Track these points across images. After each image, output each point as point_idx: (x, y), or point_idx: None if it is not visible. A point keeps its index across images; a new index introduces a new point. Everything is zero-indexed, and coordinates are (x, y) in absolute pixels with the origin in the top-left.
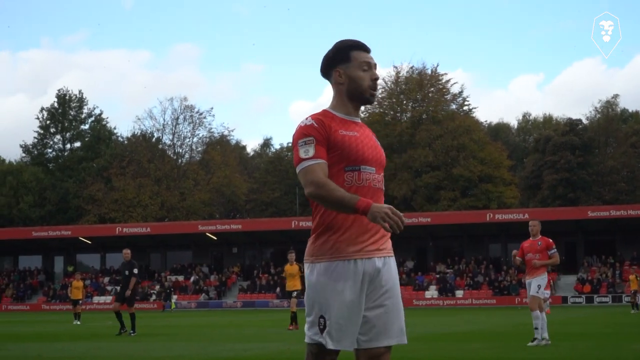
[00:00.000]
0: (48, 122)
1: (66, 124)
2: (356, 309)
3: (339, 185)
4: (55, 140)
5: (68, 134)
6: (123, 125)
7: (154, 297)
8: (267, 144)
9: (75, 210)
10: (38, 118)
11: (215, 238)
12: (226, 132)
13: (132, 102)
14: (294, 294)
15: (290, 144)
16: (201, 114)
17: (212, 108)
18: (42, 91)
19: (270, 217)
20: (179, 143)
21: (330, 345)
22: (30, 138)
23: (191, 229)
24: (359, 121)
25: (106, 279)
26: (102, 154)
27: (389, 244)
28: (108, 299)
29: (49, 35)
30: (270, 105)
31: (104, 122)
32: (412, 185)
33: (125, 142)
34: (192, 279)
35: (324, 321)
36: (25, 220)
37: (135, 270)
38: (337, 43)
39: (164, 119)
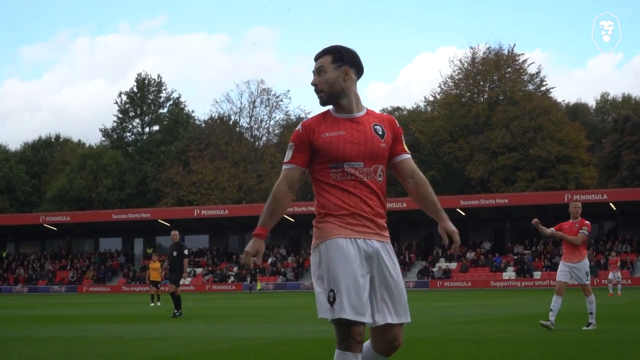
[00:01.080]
0: (127, 106)
1: (145, 108)
2: (361, 280)
3: (325, 180)
4: (134, 124)
5: (147, 118)
6: (201, 109)
7: (232, 278)
8: None
9: (153, 193)
10: (117, 102)
11: (292, 220)
12: (302, 115)
13: (209, 85)
14: None
15: None
16: (278, 96)
17: (288, 91)
18: (121, 76)
19: None
20: (255, 126)
21: (342, 315)
22: (109, 122)
23: None
24: (356, 115)
25: (185, 261)
26: (180, 137)
27: (386, 231)
28: (187, 280)
29: (128, 20)
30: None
31: (182, 106)
32: (489, 167)
33: (203, 125)
34: (269, 260)
35: (333, 294)
36: (105, 203)
37: (186, 252)
38: None
39: (241, 102)
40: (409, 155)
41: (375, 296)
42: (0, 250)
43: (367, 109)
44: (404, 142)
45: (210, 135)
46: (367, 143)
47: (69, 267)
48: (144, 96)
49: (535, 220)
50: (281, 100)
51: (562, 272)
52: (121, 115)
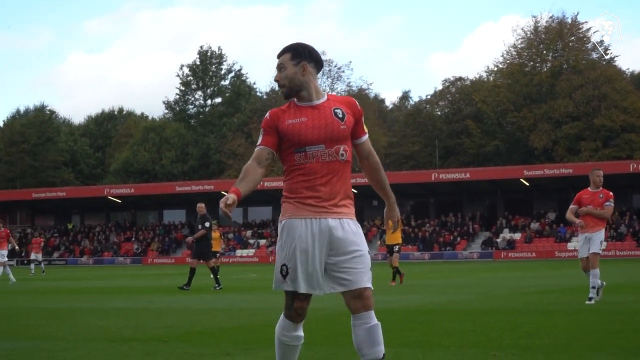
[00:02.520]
0: (189, 78)
1: (207, 80)
2: (312, 257)
3: (291, 163)
4: (197, 96)
5: (209, 90)
6: (262, 81)
7: None
8: (405, 96)
9: (216, 165)
10: (179, 75)
11: (355, 191)
12: (365, 86)
13: (271, 57)
14: (396, 248)
15: (429, 97)
16: (339, 68)
17: (350, 62)
18: (184, 48)
19: (410, 170)
20: None
21: (290, 288)
22: (172, 95)
23: None
24: (317, 102)
25: (248, 232)
26: (242, 109)
27: (346, 209)
28: (251, 252)
29: None
30: (408, 58)
31: (243, 78)
32: (553, 136)
33: (265, 97)
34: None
35: (286, 268)
36: (169, 175)
37: (207, 224)
38: None
39: None
40: (367, 136)
41: (335, 269)
42: (66, 222)
43: (327, 94)
44: (363, 123)
45: (272, 106)
46: (327, 127)
47: (133, 239)
48: (206, 69)
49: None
50: (343, 72)
51: (582, 249)
52: (183, 88)
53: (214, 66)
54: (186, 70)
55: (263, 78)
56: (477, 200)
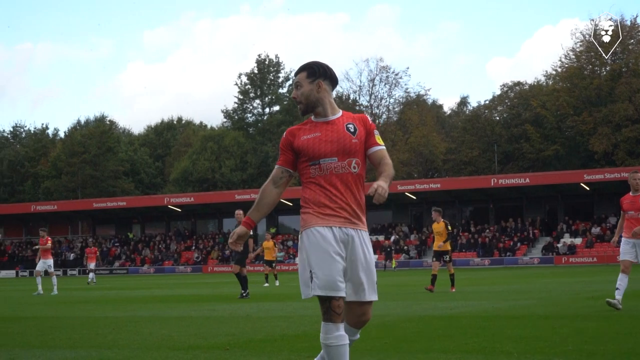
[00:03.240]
0: (247, 87)
1: (265, 89)
2: (336, 262)
3: (307, 176)
4: (255, 104)
5: (267, 98)
6: None
7: None
8: (464, 102)
9: None
10: (237, 84)
11: (414, 197)
12: (422, 92)
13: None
14: (446, 257)
15: (487, 102)
16: (397, 74)
17: (407, 68)
18: (242, 57)
19: (469, 175)
20: (375, 104)
21: (318, 292)
22: (231, 103)
23: (391, 189)
24: (331, 118)
25: (250, 241)
26: (300, 117)
27: (360, 220)
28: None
29: (248, 2)
30: (466, 63)
31: None
32: (613, 140)
33: None
34: (392, 238)
35: (311, 274)
36: (228, 183)
37: (251, 232)
38: None
39: (360, 81)
40: (381, 147)
41: (349, 276)
42: (127, 231)
43: (342, 111)
44: (376, 135)
45: None
46: (339, 141)
47: (193, 247)
48: (264, 77)
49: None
50: (400, 78)
51: (626, 252)
52: (242, 97)
53: (271, 74)
54: (244, 79)
55: None
56: (537, 206)
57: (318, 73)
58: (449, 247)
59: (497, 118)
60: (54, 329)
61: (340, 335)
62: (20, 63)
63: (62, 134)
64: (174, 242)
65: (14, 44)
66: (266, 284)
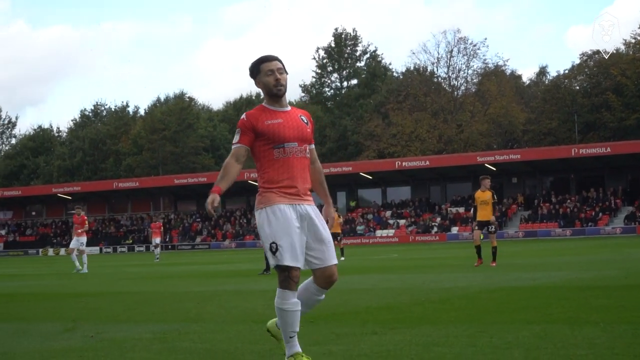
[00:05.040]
0: (325, 61)
1: (342, 63)
2: (296, 235)
3: (270, 157)
4: (333, 78)
5: (344, 72)
6: (397, 61)
7: (435, 229)
8: (543, 72)
9: (354, 147)
10: (315, 58)
11: (494, 169)
12: (501, 62)
13: (405, 37)
14: (492, 228)
15: (566, 71)
16: (475, 45)
17: (485, 39)
18: (319, 31)
19: (549, 145)
20: (453, 75)
21: (282, 262)
22: (308, 78)
23: (470, 161)
24: (287, 109)
25: (388, 213)
26: (378, 90)
27: (310, 197)
28: (391, 232)
29: None
30: (545, 33)
31: (379, 59)
32: None
33: (401, 77)
34: (472, 210)
35: (275, 245)
36: None
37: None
38: (252, 61)
39: (438, 52)
40: (313, 145)
41: (311, 246)
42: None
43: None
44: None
45: (408, 86)
46: (298, 128)
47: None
48: (341, 51)
49: None
50: (478, 49)
51: None
52: (319, 71)
53: (349, 48)
54: (322, 53)
55: (399, 58)
56: (619, 175)
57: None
58: (490, 217)
59: (577, 87)
60: (139, 304)
61: (295, 301)
62: (101, 42)
63: (142, 112)
64: (254, 217)
65: (95, 23)
66: (342, 258)
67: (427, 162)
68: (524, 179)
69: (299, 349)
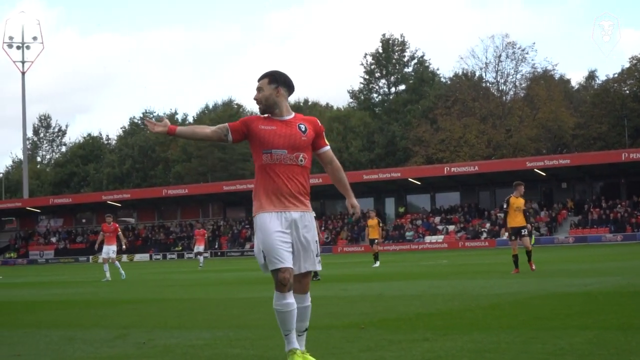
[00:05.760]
0: (373, 67)
1: (390, 68)
2: (281, 242)
3: (260, 162)
4: (380, 84)
5: (392, 78)
6: (445, 66)
7: (484, 235)
8: (592, 76)
9: (403, 152)
10: (362, 64)
11: (543, 174)
12: (549, 67)
13: (453, 42)
14: (524, 231)
15: (616, 75)
16: (523, 49)
17: (534, 43)
18: (367, 37)
19: (599, 150)
20: (502, 80)
21: (272, 267)
22: (356, 84)
23: (519, 166)
24: (285, 118)
25: (437, 219)
26: (426, 95)
27: (304, 204)
28: (440, 238)
29: None
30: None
31: (426, 64)
32: None
33: (448, 82)
34: (503, 215)
35: (263, 255)
36: (355, 164)
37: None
38: None
39: (486, 57)
40: (328, 147)
41: (294, 254)
42: None
43: (295, 113)
44: (324, 136)
45: (457, 91)
46: (290, 136)
47: (323, 228)
48: (389, 56)
49: None
50: (527, 53)
51: None
52: (367, 77)
53: (396, 53)
54: (369, 59)
55: (446, 64)
56: None
57: (278, 81)
58: (524, 223)
59: (627, 91)
60: (190, 311)
61: (287, 302)
62: (150, 50)
63: (190, 119)
64: None
65: (144, 31)
66: (375, 264)
67: (476, 168)
68: (574, 184)
69: (296, 345)
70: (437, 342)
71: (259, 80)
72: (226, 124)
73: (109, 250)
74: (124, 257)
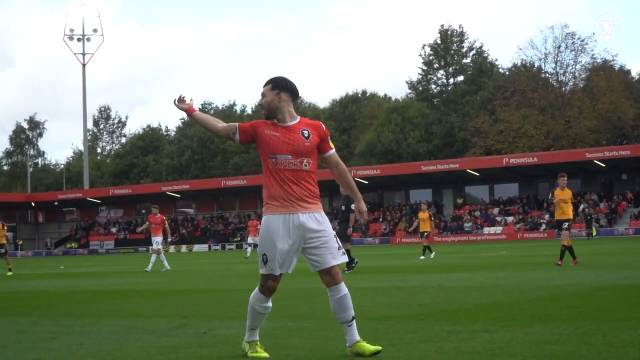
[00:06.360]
0: (431, 58)
1: (448, 59)
2: (281, 247)
3: (267, 166)
4: (439, 75)
5: (451, 69)
6: (504, 57)
7: (543, 226)
8: None
9: (461, 143)
10: (421, 55)
11: (603, 165)
12: (609, 57)
13: (511, 33)
14: (565, 224)
15: None
16: (583, 40)
17: (593, 34)
18: (425, 28)
19: None
20: (561, 71)
21: (271, 272)
22: (414, 75)
23: (578, 157)
24: (289, 124)
25: (495, 210)
26: (484, 86)
27: (313, 205)
28: (498, 229)
29: None
30: None
31: (485, 55)
32: None
33: (507, 73)
34: (580, 207)
35: (266, 257)
36: (414, 155)
37: (352, 206)
38: None
39: (545, 48)
40: (333, 151)
41: (309, 251)
42: None
43: (300, 118)
44: (329, 140)
45: (515, 82)
46: (294, 143)
47: (381, 219)
48: (447, 47)
49: None
50: (586, 44)
51: None
52: (425, 68)
53: (455, 44)
54: (428, 50)
55: (505, 54)
56: None
57: (280, 86)
58: (570, 215)
59: None
60: (247, 301)
61: (266, 306)
62: (210, 41)
63: (249, 110)
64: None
65: (204, 23)
66: (422, 257)
67: (535, 159)
68: (634, 176)
69: (257, 338)
70: (497, 333)
71: (263, 87)
72: (237, 123)
73: (157, 241)
74: (183, 248)
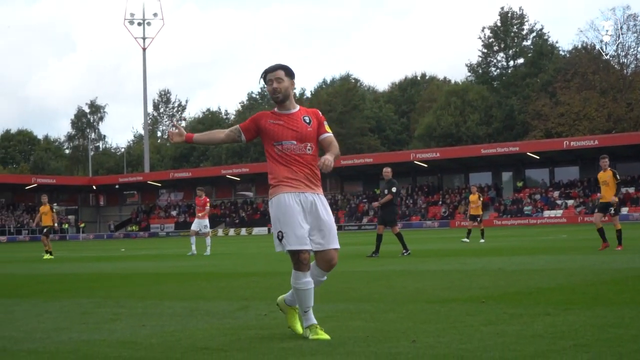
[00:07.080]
0: (491, 40)
1: (508, 42)
2: (300, 221)
3: (273, 153)
4: (499, 58)
5: (511, 52)
6: (565, 39)
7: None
8: None
9: (521, 126)
10: (480, 37)
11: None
12: None
13: (573, 15)
14: (611, 210)
15: None
16: None
17: None
18: (485, 10)
19: None
20: (623, 53)
21: (288, 247)
22: (474, 57)
23: (636, 140)
24: (291, 111)
25: (556, 193)
26: (545, 69)
27: (316, 187)
28: (558, 213)
29: None
30: None
31: (545, 37)
32: None
33: (568, 55)
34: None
35: (281, 234)
36: (473, 138)
37: (394, 189)
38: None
39: (606, 30)
40: (329, 134)
41: (313, 232)
42: (374, 188)
43: (299, 106)
44: (325, 125)
45: (576, 65)
46: (298, 129)
47: (440, 202)
48: (507, 30)
49: None
50: None
51: None
52: (485, 50)
53: (515, 27)
54: (488, 33)
55: (565, 37)
56: None
57: (291, 74)
58: (616, 199)
59: None
60: None
61: (306, 281)
62: (265, 27)
63: (308, 94)
64: (420, 198)
65: (263, 6)
66: (465, 239)
67: (596, 142)
68: None
69: (315, 321)
70: (558, 316)
71: (272, 71)
72: (237, 125)
73: (200, 224)
74: (243, 231)
